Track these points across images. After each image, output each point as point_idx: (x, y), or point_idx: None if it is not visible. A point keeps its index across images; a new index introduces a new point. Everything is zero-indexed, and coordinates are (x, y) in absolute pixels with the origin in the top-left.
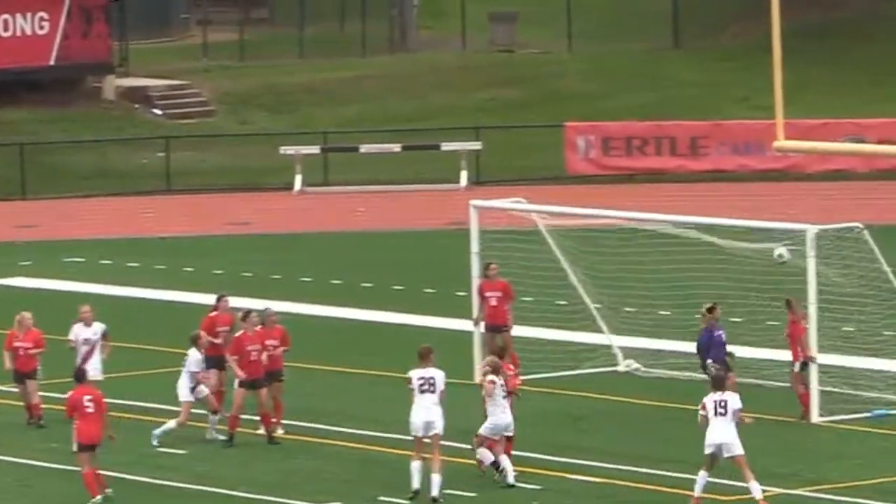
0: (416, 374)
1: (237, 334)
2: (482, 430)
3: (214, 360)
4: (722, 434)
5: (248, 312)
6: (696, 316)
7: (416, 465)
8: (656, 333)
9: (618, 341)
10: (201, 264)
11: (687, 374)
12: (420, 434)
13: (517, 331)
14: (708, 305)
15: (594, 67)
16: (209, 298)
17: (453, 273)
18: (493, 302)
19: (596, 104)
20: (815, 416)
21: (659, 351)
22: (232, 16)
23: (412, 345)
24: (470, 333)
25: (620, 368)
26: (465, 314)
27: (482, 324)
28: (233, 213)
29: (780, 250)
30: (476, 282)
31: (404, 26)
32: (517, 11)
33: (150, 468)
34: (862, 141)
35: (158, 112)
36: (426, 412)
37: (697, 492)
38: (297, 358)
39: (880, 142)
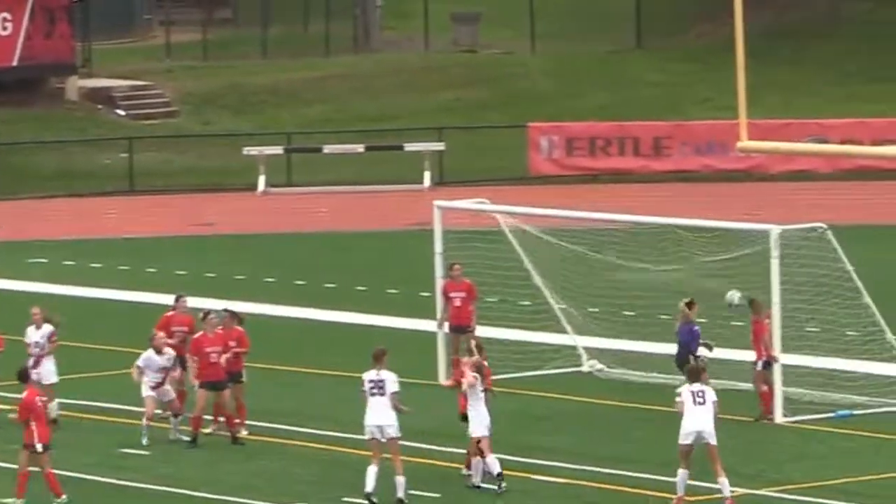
0: (367, 377)
1: (196, 335)
2: (481, 433)
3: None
4: (701, 422)
5: (207, 313)
6: (661, 317)
7: (372, 469)
8: (620, 334)
9: (582, 341)
10: (164, 265)
11: (651, 374)
12: (376, 437)
13: (480, 331)
14: (686, 300)
15: (557, 68)
16: (172, 299)
17: (417, 273)
18: (458, 302)
19: (559, 104)
20: (779, 417)
21: (623, 351)
22: (195, 16)
23: (375, 345)
24: (434, 334)
25: (584, 369)
26: (429, 315)
27: (446, 324)
28: (196, 213)
29: (732, 295)
30: (440, 282)
31: (367, 27)
32: (480, 12)
33: (112, 469)
34: (825, 141)
35: (121, 113)
36: (377, 415)
37: (680, 491)
38: (261, 359)
39: (843, 142)
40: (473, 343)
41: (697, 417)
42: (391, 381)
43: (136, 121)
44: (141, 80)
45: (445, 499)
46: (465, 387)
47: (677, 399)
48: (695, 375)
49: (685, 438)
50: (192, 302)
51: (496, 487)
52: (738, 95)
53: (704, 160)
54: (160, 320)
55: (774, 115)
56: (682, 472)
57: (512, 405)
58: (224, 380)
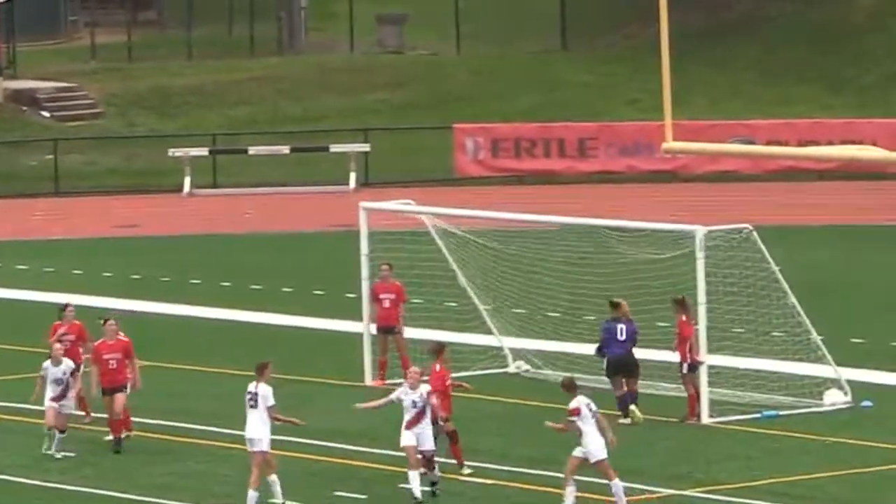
0: (248, 388)
1: (96, 342)
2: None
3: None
4: (599, 436)
5: (107, 319)
6: (588, 317)
7: (272, 481)
8: (546, 335)
9: (508, 343)
10: (90, 267)
11: (577, 375)
12: (250, 449)
13: (407, 332)
14: (626, 301)
15: (483, 69)
16: (98, 301)
17: (343, 275)
18: (387, 304)
19: (485, 106)
20: (706, 418)
21: (547, 352)
22: (120, 18)
23: (302, 346)
24: (359, 335)
25: (511, 370)
26: (355, 316)
27: (373, 325)
28: (122, 215)
29: None
30: (366, 284)
31: (292, 28)
32: (405, 13)
33: (38, 472)
34: (750, 142)
35: (47, 114)
36: (249, 428)
37: (623, 500)
38: (187, 360)
39: (769, 143)
40: (433, 346)
41: (597, 432)
42: (264, 395)
43: (62, 122)
44: (66, 81)
45: (371, 499)
46: (405, 400)
47: (573, 418)
48: (574, 388)
49: (604, 452)
50: (122, 304)
51: (435, 490)
52: (663, 96)
53: (630, 161)
54: (51, 329)
55: (700, 116)
56: (616, 480)
57: None
58: (123, 384)
